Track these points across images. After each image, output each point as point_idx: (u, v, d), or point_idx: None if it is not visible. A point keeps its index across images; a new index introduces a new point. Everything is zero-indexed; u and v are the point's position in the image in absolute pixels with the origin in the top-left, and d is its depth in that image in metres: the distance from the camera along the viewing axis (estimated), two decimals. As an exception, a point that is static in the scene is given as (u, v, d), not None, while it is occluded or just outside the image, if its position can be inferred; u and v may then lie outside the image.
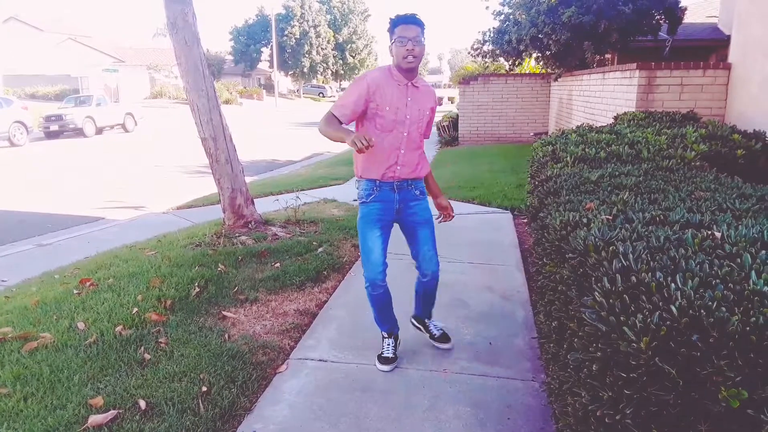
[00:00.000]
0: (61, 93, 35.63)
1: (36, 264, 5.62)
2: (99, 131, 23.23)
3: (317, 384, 3.02)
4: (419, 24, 2.89)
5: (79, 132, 22.01)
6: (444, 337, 3.40)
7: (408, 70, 2.92)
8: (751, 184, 2.94)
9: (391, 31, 2.93)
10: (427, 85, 3.14)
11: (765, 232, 1.89)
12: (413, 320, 3.52)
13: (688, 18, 12.20)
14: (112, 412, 2.64)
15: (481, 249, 5.37)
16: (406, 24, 2.88)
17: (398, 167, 3.00)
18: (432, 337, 3.41)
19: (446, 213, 3.39)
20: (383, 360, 3.19)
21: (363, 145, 2.53)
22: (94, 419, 2.59)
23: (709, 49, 13.19)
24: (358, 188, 3.12)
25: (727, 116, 6.70)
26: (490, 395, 2.87)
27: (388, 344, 3.25)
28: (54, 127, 21.70)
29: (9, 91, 32.66)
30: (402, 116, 2.95)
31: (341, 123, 2.90)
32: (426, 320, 3.47)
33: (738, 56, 6.60)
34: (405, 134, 2.98)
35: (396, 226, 3.20)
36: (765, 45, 5.93)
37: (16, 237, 7.03)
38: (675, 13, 10.90)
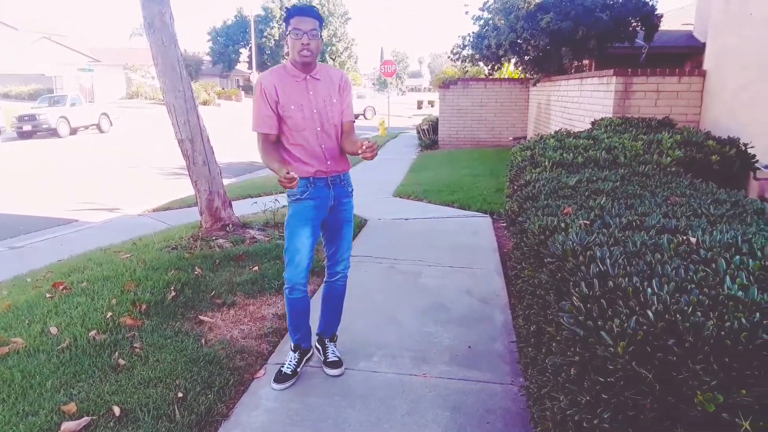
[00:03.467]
0: (34, 92, 35.02)
1: (7, 267, 5.50)
2: (73, 132, 22.90)
3: (295, 389, 2.99)
4: (316, 17, 2.75)
5: (53, 132, 21.68)
6: (336, 363, 3.14)
7: (303, 64, 2.79)
8: (726, 189, 2.98)
9: (287, 22, 2.77)
10: (331, 70, 2.98)
11: (739, 237, 1.92)
12: (315, 342, 3.30)
13: (664, 25, 12.39)
14: (86, 419, 2.59)
15: (460, 253, 5.38)
16: (301, 16, 2.72)
17: (328, 162, 2.89)
18: (325, 361, 3.16)
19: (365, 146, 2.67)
20: (280, 377, 3.01)
21: (286, 181, 2.49)
22: (67, 426, 2.53)
23: (685, 56, 13.43)
24: None
25: (702, 122, 6.81)
26: (469, 399, 2.87)
27: (291, 359, 3.09)
28: (27, 127, 21.35)
29: (-19, 90, 32.00)
30: (309, 112, 2.82)
31: (273, 137, 2.85)
32: (327, 341, 3.24)
33: (712, 64, 6.72)
34: (318, 129, 2.85)
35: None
36: (738, 53, 6.05)
37: (-13, 239, 6.88)
38: (651, 21, 11.07)
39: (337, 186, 2.96)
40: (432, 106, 41.90)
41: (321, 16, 2.80)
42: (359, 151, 2.63)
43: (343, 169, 2.97)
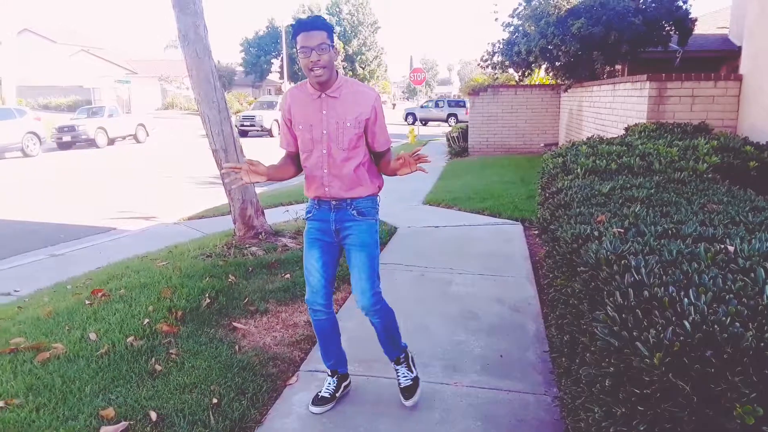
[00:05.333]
0: (73, 104, 36.13)
1: (48, 274, 5.66)
2: (111, 142, 23.49)
3: (327, 396, 3.01)
4: (322, 27, 2.50)
5: (91, 143, 22.27)
6: (408, 389, 2.90)
7: (317, 84, 2.57)
8: (764, 196, 2.92)
9: (293, 40, 2.55)
10: (360, 90, 2.70)
11: (779, 246, 1.87)
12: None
13: (699, 29, 12.17)
14: (123, 424, 2.65)
15: (491, 261, 5.35)
16: (307, 31, 2.48)
17: (325, 188, 2.69)
18: (399, 386, 2.94)
19: (409, 161, 2.64)
20: (317, 401, 2.89)
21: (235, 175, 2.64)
22: (106, 430, 2.60)
23: (720, 60, 13.15)
24: None
25: (739, 127, 6.66)
26: (502, 409, 2.85)
27: (330, 383, 2.94)
28: (67, 138, 21.96)
29: (22, 101, 33.09)
30: (318, 133, 2.63)
31: (292, 153, 2.80)
32: (393, 364, 2.99)
33: (749, 67, 6.57)
34: (324, 152, 2.64)
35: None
36: (776, 56, 5.90)
37: (28, 247, 7.09)
38: (685, 24, 10.89)
39: (341, 210, 2.73)
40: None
41: (329, 25, 2.56)
42: (404, 170, 2.65)
43: (351, 195, 2.71)
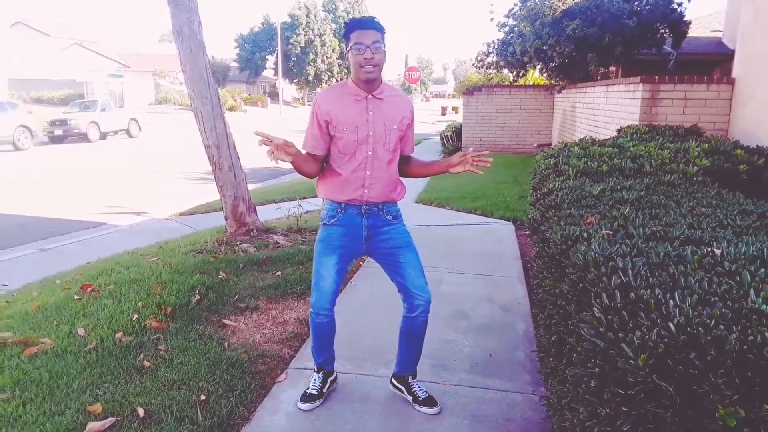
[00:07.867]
0: (66, 97, 35.89)
1: (37, 268, 5.63)
2: (103, 136, 23.36)
3: (316, 394, 3.01)
4: (378, 28, 2.52)
5: (83, 137, 22.13)
6: (430, 400, 2.86)
7: (367, 81, 2.55)
8: (753, 200, 2.94)
9: (346, 37, 2.56)
10: (398, 94, 2.76)
11: (765, 249, 1.89)
12: (393, 381, 3.01)
13: (693, 32, 12.23)
14: (111, 419, 2.64)
15: (482, 260, 5.37)
16: (362, 29, 2.49)
17: (365, 190, 2.65)
18: (416, 399, 2.87)
19: (468, 159, 2.77)
20: (305, 397, 2.88)
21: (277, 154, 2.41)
22: (93, 426, 2.59)
23: (714, 63, 13.22)
24: (321, 208, 2.81)
25: (730, 131, 6.70)
26: (490, 408, 2.86)
27: (315, 380, 2.95)
28: (58, 132, 21.83)
29: (14, 95, 32.86)
30: (364, 134, 2.59)
31: (319, 157, 2.67)
32: (410, 379, 2.96)
33: (742, 71, 6.61)
34: (369, 153, 2.61)
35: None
36: (768, 60, 5.94)
37: (18, 241, 7.05)
38: (679, 27, 10.94)
39: (373, 215, 2.71)
40: (456, 113, 41.91)
41: (383, 27, 2.54)
42: (458, 168, 2.76)
43: (384, 199, 2.71)
